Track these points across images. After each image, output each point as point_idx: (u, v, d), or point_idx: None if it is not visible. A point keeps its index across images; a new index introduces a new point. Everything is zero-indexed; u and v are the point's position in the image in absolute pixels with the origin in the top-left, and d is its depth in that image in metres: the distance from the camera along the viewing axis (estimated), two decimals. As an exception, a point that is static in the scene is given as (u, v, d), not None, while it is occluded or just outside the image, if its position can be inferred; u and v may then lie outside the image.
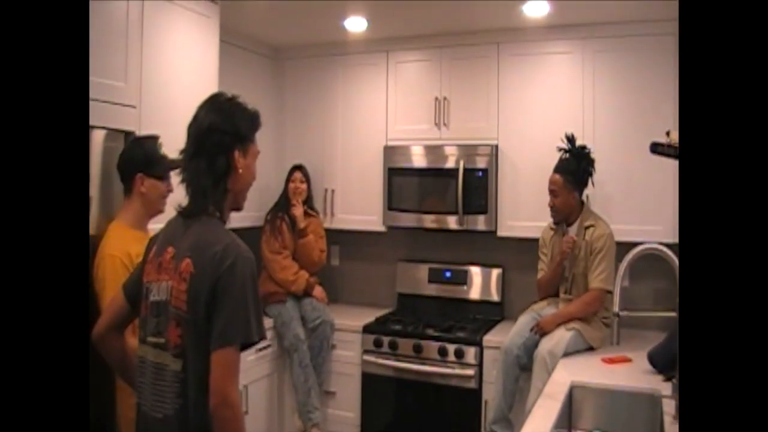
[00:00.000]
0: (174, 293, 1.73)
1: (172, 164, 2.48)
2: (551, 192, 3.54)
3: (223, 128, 1.79)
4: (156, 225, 2.22)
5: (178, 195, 2.02)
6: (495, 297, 4.26)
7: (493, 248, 4.28)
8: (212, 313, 1.66)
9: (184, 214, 1.83)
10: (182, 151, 1.84)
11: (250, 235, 4.11)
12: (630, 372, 2.95)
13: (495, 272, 4.26)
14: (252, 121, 1.88)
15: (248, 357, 3.71)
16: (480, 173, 3.96)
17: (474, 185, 3.97)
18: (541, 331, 3.37)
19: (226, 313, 1.65)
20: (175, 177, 2.43)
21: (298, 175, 4.26)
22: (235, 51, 4.05)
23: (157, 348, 1.76)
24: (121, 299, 1.95)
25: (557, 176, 3.54)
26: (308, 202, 4.30)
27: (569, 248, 3.45)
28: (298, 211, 4.17)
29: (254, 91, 4.28)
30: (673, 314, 2.48)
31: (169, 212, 2.41)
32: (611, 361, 3.09)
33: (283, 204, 4.25)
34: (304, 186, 4.26)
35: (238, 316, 1.66)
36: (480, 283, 4.30)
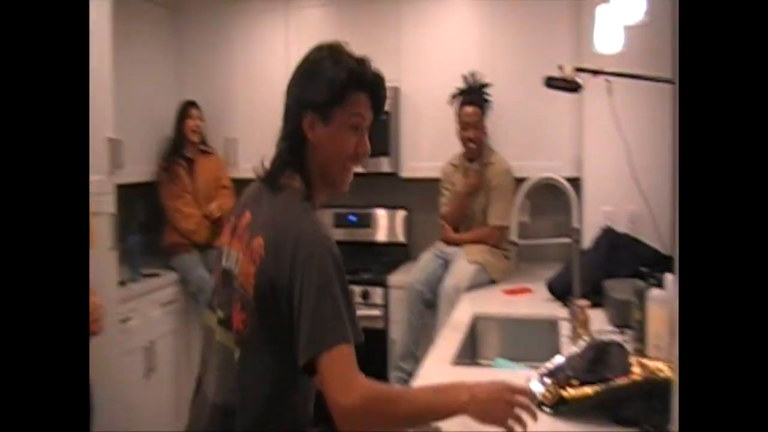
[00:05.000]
0: (242, 269, 1.45)
1: None
2: (470, 125, 3.50)
3: (293, 91, 1.56)
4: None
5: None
6: (401, 238, 4.28)
7: (397, 190, 4.29)
8: (291, 316, 1.37)
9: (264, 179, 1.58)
10: None
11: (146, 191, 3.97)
12: (530, 301, 3.05)
13: (400, 214, 4.28)
14: (336, 81, 1.51)
15: (151, 312, 3.64)
16: (382, 115, 3.91)
17: (376, 127, 3.90)
18: (444, 238, 3.60)
19: (310, 318, 1.35)
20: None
21: (194, 111, 4.03)
22: (129, 1, 3.72)
23: (221, 325, 1.52)
24: None
25: (474, 108, 3.50)
26: (203, 141, 4.13)
27: (478, 181, 3.49)
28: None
29: (150, 42, 4.07)
30: (568, 240, 2.57)
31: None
32: (512, 292, 3.17)
33: (178, 146, 4.01)
34: (203, 123, 4.06)
35: (327, 318, 1.35)
36: (385, 225, 4.31)
